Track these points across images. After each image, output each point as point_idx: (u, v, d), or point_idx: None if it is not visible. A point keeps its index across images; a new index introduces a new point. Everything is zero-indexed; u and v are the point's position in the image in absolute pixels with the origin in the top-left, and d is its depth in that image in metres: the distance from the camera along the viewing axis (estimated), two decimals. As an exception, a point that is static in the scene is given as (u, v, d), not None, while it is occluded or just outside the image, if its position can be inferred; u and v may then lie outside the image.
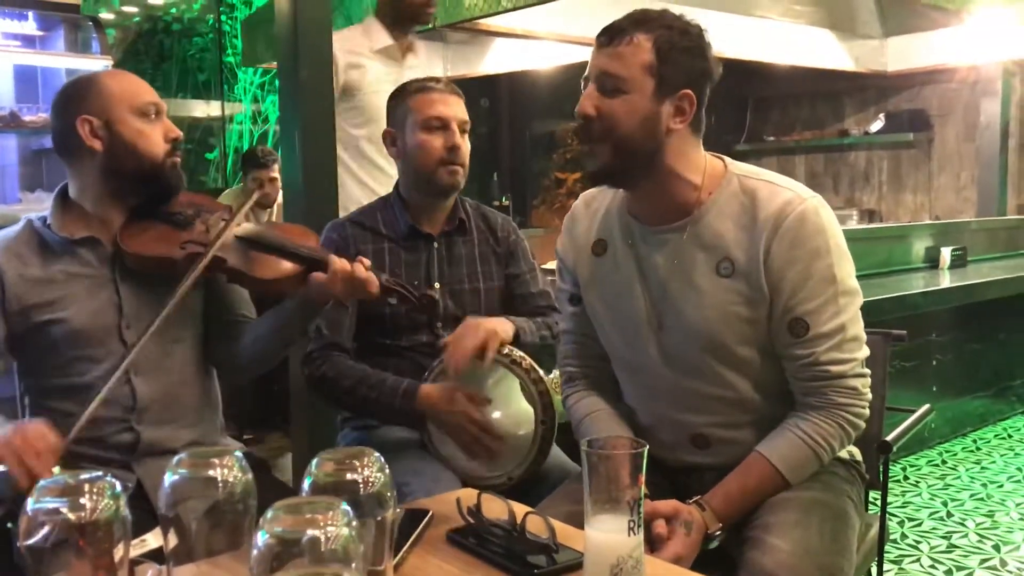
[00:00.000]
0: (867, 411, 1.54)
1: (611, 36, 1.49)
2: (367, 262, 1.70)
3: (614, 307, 1.64)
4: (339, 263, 1.66)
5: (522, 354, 1.84)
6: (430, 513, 1.32)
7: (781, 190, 1.51)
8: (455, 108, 2.02)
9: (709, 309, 1.52)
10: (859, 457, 1.69)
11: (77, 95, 1.69)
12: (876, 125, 6.15)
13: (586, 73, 1.53)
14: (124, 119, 1.67)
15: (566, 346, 1.75)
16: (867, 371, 1.54)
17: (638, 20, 1.48)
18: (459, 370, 1.81)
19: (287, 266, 1.69)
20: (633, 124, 1.47)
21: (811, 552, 1.40)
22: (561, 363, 1.77)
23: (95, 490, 0.91)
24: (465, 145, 2.03)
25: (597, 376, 1.73)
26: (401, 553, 1.19)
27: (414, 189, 2.06)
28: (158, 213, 1.72)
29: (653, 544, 1.43)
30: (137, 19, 5.78)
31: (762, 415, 1.57)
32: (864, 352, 1.54)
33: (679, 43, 1.47)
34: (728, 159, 1.59)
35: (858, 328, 1.53)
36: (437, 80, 2.06)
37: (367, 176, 3.10)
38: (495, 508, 1.26)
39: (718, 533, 1.47)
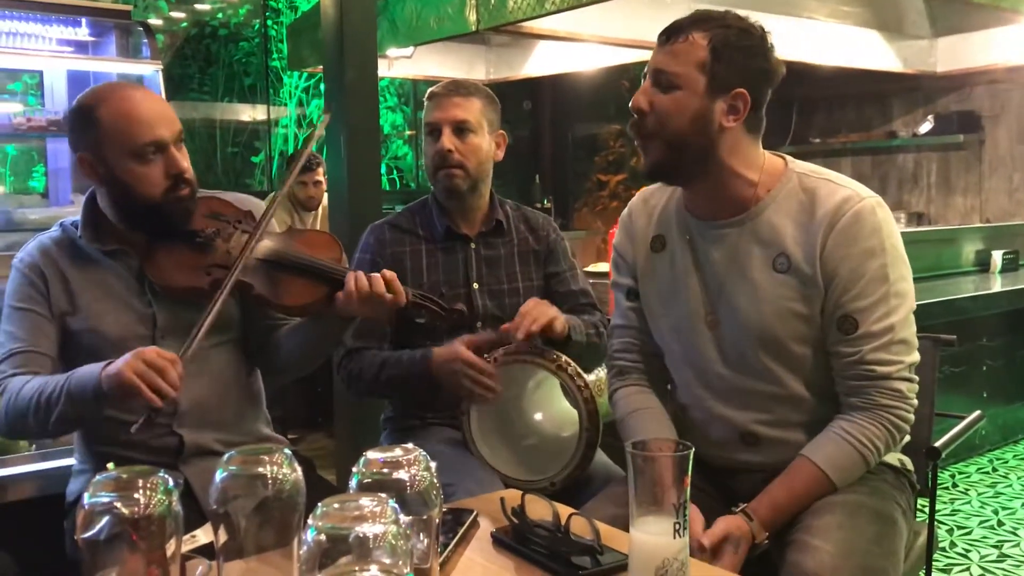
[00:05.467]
0: (912, 415, 1.52)
1: (670, 34, 1.51)
2: (390, 275, 1.68)
3: (670, 302, 1.64)
4: (355, 282, 1.64)
5: (568, 359, 1.82)
6: (475, 513, 1.33)
7: (840, 188, 1.52)
8: (449, 110, 2.00)
9: (764, 304, 1.52)
10: (910, 466, 1.67)
11: (77, 128, 1.65)
12: (925, 126, 6.04)
13: (645, 70, 1.55)
14: (118, 162, 1.60)
15: (619, 340, 1.75)
16: (915, 376, 1.52)
17: (698, 19, 1.50)
18: (531, 334, 1.80)
19: (313, 289, 1.68)
20: (684, 120, 1.48)
21: (854, 553, 1.38)
22: (612, 357, 1.76)
23: (148, 485, 0.92)
24: (465, 144, 2.00)
25: (648, 372, 1.73)
26: (446, 552, 1.19)
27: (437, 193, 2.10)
28: (178, 232, 1.68)
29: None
30: (185, 24, 5.88)
31: (813, 415, 1.56)
32: (913, 357, 1.52)
33: (736, 42, 1.48)
34: (790, 158, 1.60)
35: (908, 332, 1.51)
36: (443, 84, 2.07)
37: None
38: (539, 509, 1.26)
39: (765, 542, 1.46)
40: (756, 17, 1.56)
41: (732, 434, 1.60)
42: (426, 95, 2.08)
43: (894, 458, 1.62)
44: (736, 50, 1.48)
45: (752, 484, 1.53)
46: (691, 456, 1.05)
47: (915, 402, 1.52)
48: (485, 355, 1.92)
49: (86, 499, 0.92)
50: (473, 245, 2.08)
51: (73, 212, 1.80)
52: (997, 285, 4.27)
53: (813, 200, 1.51)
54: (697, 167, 1.53)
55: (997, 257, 4.61)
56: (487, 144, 2.04)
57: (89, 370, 1.51)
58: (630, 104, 1.52)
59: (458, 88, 2.04)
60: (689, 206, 1.62)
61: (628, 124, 1.55)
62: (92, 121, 1.61)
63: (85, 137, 1.63)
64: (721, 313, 1.57)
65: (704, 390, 1.62)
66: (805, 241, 1.50)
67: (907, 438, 1.61)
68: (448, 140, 1.99)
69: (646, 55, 1.57)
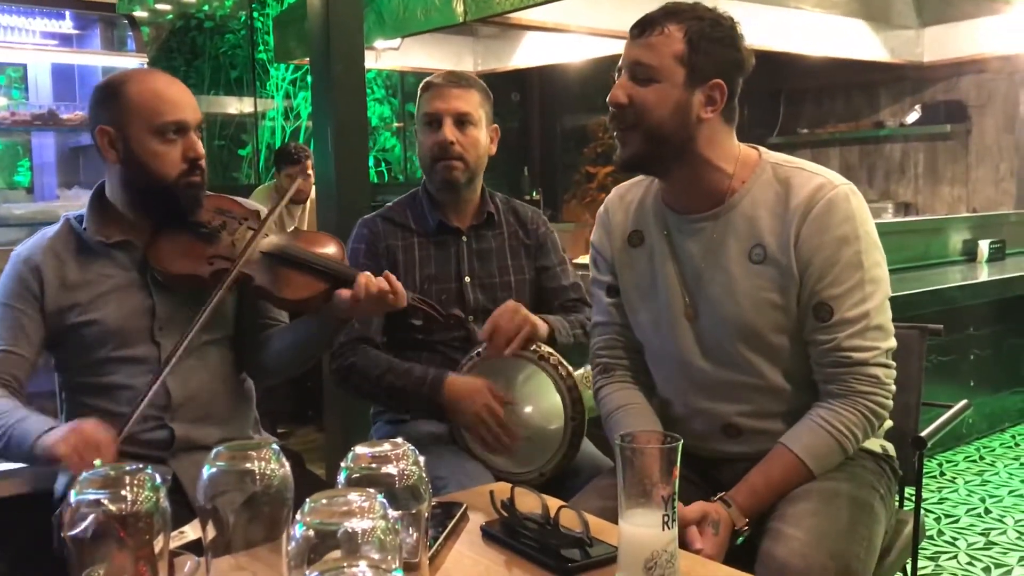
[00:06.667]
0: (890, 401, 1.53)
1: (643, 27, 1.52)
2: (391, 277, 1.68)
3: (648, 296, 1.65)
4: (364, 280, 1.64)
5: (550, 350, 1.84)
6: (464, 506, 1.33)
7: (813, 176, 1.53)
8: (451, 101, 1.98)
9: (741, 296, 1.53)
10: (892, 451, 1.68)
11: (102, 101, 1.67)
12: (912, 116, 6.06)
13: (619, 64, 1.55)
14: (139, 137, 1.62)
15: (601, 337, 1.75)
16: (891, 362, 1.53)
17: (670, 11, 1.51)
18: (504, 355, 1.81)
19: (313, 284, 1.68)
20: (664, 112, 1.49)
21: (824, 539, 1.38)
22: (595, 354, 1.76)
23: (136, 482, 0.92)
24: (465, 136, 1.98)
25: (631, 368, 1.73)
26: (436, 546, 1.19)
27: (429, 185, 2.07)
28: (185, 222, 1.70)
29: (683, 547, 1.42)
30: (170, 16, 5.85)
31: (793, 405, 1.57)
32: (890, 343, 1.53)
33: (710, 33, 1.49)
34: (763, 149, 1.60)
35: (883, 318, 1.52)
36: (441, 74, 2.05)
37: None
38: (528, 502, 1.26)
39: (745, 528, 1.46)
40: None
41: (714, 426, 1.61)
42: (422, 85, 2.05)
43: (875, 444, 1.63)
44: (711, 41, 1.49)
45: (735, 475, 1.53)
46: (680, 448, 1.05)
47: (893, 388, 1.53)
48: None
49: (72, 496, 0.91)
50: (464, 239, 2.07)
51: (58, 207, 1.80)
52: (984, 274, 4.29)
53: (787, 189, 1.52)
54: (675, 158, 1.53)
55: (984, 246, 4.63)
56: (484, 137, 2.03)
57: (30, 427, 1.53)
58: (608, 99, 1.52)
59: (458, 80, 2.02)
60: (666, 199, 1.63)
61: (608, 117, 1.55)
62: (119, 95, 1.63)
63: (109, 111, 1.64)
64: (699, 306, 1.58)
65: (685, 383, 1.63)
66: (780, 231, 1.51)
67: (888, 423, 1.62)
68: (450, 131, 1.97)
69: (635, 46, 1.56)
